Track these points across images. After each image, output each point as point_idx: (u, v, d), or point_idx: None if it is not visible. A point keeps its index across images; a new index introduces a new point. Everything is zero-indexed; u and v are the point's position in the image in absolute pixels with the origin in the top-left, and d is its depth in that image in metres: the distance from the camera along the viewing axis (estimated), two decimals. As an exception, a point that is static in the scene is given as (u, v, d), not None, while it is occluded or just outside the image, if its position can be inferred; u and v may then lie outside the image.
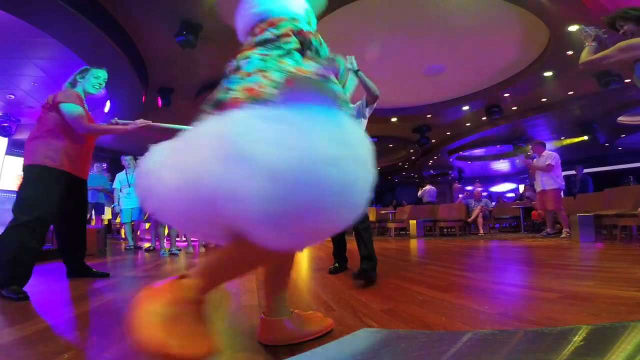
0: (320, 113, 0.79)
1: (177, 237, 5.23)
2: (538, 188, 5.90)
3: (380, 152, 13.84)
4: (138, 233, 5.98)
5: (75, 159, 2.32)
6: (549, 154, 5.84)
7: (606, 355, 0.59)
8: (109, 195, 6.27)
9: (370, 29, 6.07)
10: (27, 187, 2.15)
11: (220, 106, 0.90)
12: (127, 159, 5.76)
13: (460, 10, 5.56)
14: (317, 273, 2.68)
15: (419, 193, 10.81)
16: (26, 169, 2.20)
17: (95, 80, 2.48)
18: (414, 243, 6.08)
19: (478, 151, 14.30)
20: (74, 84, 2.45)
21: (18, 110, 8.35)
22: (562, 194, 6.08)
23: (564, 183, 5.90)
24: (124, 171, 5.81)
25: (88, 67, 2.50)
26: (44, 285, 2.32)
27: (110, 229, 9.81)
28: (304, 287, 2.12)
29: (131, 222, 5.64)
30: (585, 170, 8.22)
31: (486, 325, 1.25)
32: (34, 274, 2.01)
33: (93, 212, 6.00)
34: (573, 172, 7.94)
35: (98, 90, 2.51)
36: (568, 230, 5.41)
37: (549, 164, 5.65)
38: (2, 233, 2.04)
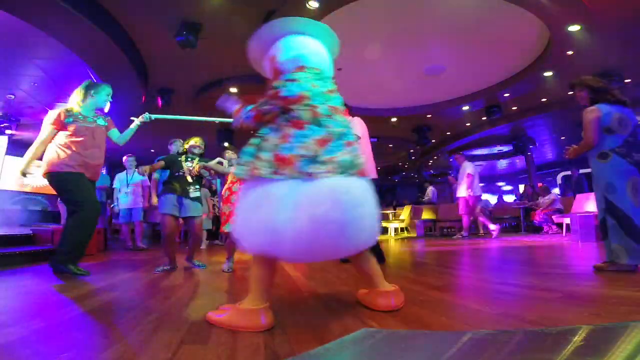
0: None
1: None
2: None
3: (380, 152, 13.82)
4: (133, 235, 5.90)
5: None
6: (467, 165, 6.53)
7: (606, 355, 0.59)
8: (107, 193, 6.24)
9: (370, 29, 6.06)
10: None
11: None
12: (130, 160, 5.74)
13: (461, 10, 5.55)
14: (317, 273, 2.68)
15: (425, 198, 10.62)
16: None
17: (108, 96, 2.85)
18: (414, 243, 6.08)
19: (478, 151, 14.28)
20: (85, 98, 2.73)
21: (18, 110, 8.34)
22: (474, 201, 6.46)
23: (478, 193, 6.49)
24: (124, 171, 5.77)
25: (95, 83, 2.78)
26: (44, 285, 2.32)
27: (111, 229, 9.78)
28: (304, 287, 2.12)
29: (129, 222, 5.61)
30: (586, 170, 8.21)
31: (486, 325, 1.24)
32: (34, 273, 2.00)
33: None
34: (568, 172, 7.95)
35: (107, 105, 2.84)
36: (463, 233, 6.59)
37: (468, 173, 6.36)
38: None
